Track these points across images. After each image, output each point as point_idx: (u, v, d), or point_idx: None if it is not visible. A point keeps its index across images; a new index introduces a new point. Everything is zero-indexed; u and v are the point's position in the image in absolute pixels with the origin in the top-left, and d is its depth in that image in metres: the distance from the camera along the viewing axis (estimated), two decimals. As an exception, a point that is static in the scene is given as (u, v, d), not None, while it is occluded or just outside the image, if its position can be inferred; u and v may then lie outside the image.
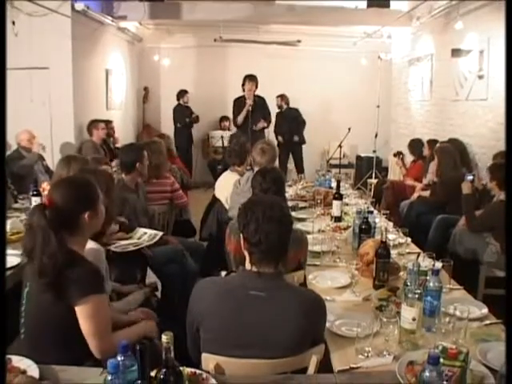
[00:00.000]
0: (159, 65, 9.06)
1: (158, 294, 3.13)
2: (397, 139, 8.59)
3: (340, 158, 8.23)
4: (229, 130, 8.65)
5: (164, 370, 1.38)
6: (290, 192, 4.59)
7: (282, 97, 8.01)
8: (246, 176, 3.59)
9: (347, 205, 4.16)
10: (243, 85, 6.70)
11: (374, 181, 7.72)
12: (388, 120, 8.83)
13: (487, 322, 2.05)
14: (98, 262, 2.04)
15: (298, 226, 3.26)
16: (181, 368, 1.46)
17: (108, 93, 7.44)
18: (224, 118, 8.85)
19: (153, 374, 1.42)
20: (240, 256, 2.06)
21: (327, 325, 1.90)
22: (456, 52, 5.87)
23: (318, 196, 4.09)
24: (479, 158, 5.63)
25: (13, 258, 2.64)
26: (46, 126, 6.05)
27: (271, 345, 1.68)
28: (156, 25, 8.56)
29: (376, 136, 8.03)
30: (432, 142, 5.85)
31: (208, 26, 8.19)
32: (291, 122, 7.92)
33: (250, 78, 6.66)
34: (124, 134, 7.88)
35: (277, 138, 7.93)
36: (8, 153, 5.04)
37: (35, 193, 3.53)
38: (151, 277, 3.43)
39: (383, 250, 2.41)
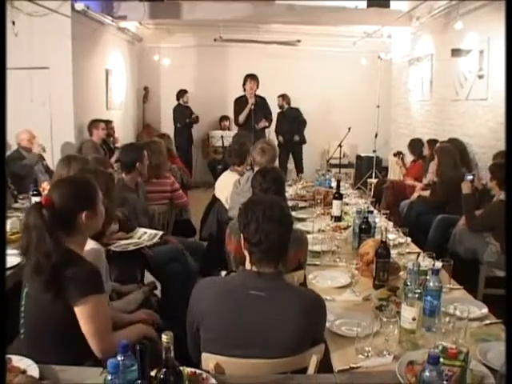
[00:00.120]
0: (159, 64, 9.06)
1: (157, 293, 3.12)
2: (397, 139, 8.59)
3: (340, 158, 8.23)
4: (229, 129, 8.64)
5: (164, 370, 1.38)
6: (290, 192, 4.59)
7: (284, 97, 8.00)
8: (246, 176, 3.59)
9: (347, 204, 4.16)
10: (244, 84, 6.71)
11: (373, 180, 7.72)
12: (388, 120, 8.83)
13: (487, 321, 2.05)
14: (98, 262, 2.04)
15: (298, 225, 3.26)
16: (181, 368, 1.46)
17: (108, 93, 7.44)
18: (224, 118, 8.84)
19: (153, 373, 1.42)
20: (240, 256, 2.06)
21: (327, 324, 1.90)
22: (456, 52, 5.86)
23: (318, 196, 4.09)
24: (479, 158, 5.63)
25: (13, 257, 2.65)
26: (46, 126, 6.05)
27: (271, 345, 1.68)
28: (156, 25, 8.55)
29: (376, 136, 8.04)
30: (432, 142, 5.85)
31: (208, 25, 8.19)
32: (292, 121, 7.92)
33: (251, 78, 6.67)
34: (124, 134, 7.88)
35: (277, 138, 7.93)
36: (8, 153, 5.04)
37: (35, 193, 3.53)
38: (149, 277, 3.43)
39: (383, 249, 2.41)
